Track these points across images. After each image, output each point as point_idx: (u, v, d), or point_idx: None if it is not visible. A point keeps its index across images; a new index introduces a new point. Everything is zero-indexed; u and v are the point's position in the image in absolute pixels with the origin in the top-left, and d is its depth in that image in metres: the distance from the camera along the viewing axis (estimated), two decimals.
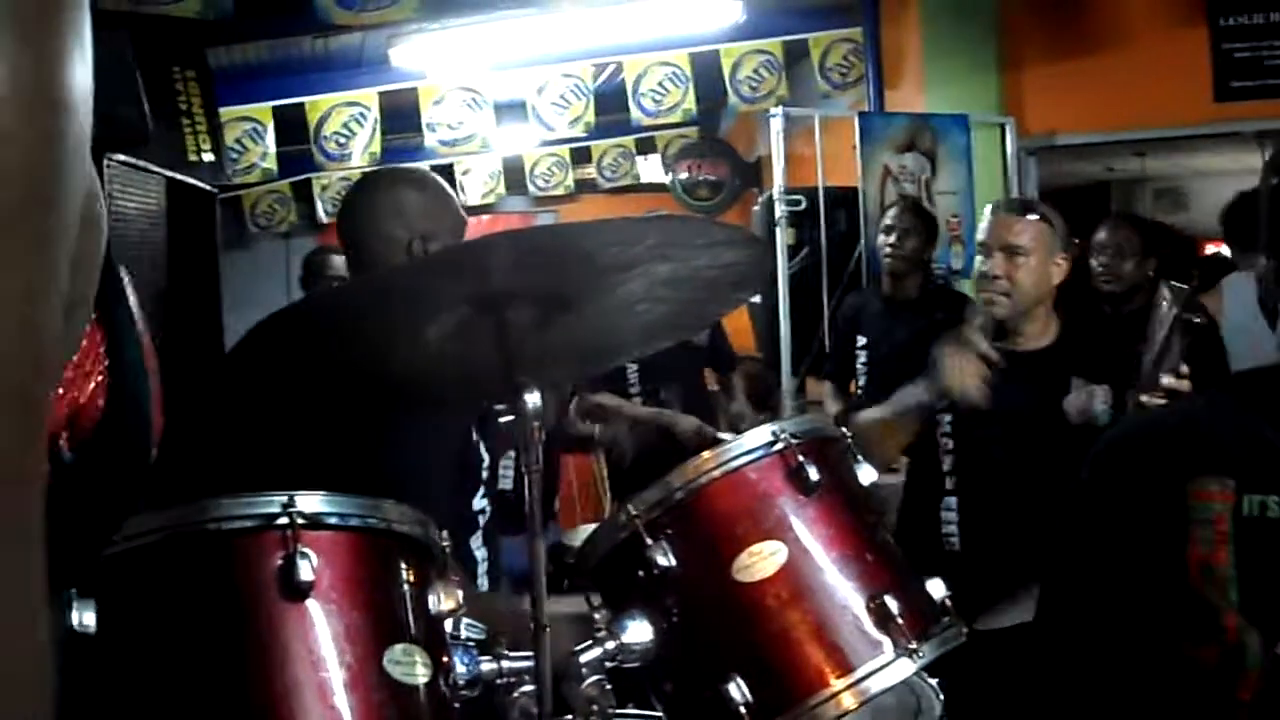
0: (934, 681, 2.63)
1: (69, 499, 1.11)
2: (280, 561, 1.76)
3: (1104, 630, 2.18)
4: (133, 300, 1.24)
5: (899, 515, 4.23)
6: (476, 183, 13.12)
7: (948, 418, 3.82)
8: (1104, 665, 2.17)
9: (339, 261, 7.40)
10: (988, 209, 4.16)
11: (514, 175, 13.23)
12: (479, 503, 3.04)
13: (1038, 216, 3.96)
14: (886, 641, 1.98)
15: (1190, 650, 2.01)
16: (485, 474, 3.09)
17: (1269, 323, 2.13)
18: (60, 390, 1.12)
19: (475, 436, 3.07)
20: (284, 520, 1.78)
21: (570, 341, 2.05)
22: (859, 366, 6.48)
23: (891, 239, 6.29)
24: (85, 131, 0.67)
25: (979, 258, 4.05)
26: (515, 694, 2.01)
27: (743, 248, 2.01)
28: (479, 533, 3.04)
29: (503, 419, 1.90)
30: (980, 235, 4.07)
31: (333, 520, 1.83)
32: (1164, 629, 2.04)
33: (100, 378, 1.18)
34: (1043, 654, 2.30)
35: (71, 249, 0.65)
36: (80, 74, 0.65)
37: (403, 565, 1.91)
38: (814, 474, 2.04)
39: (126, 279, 1.22)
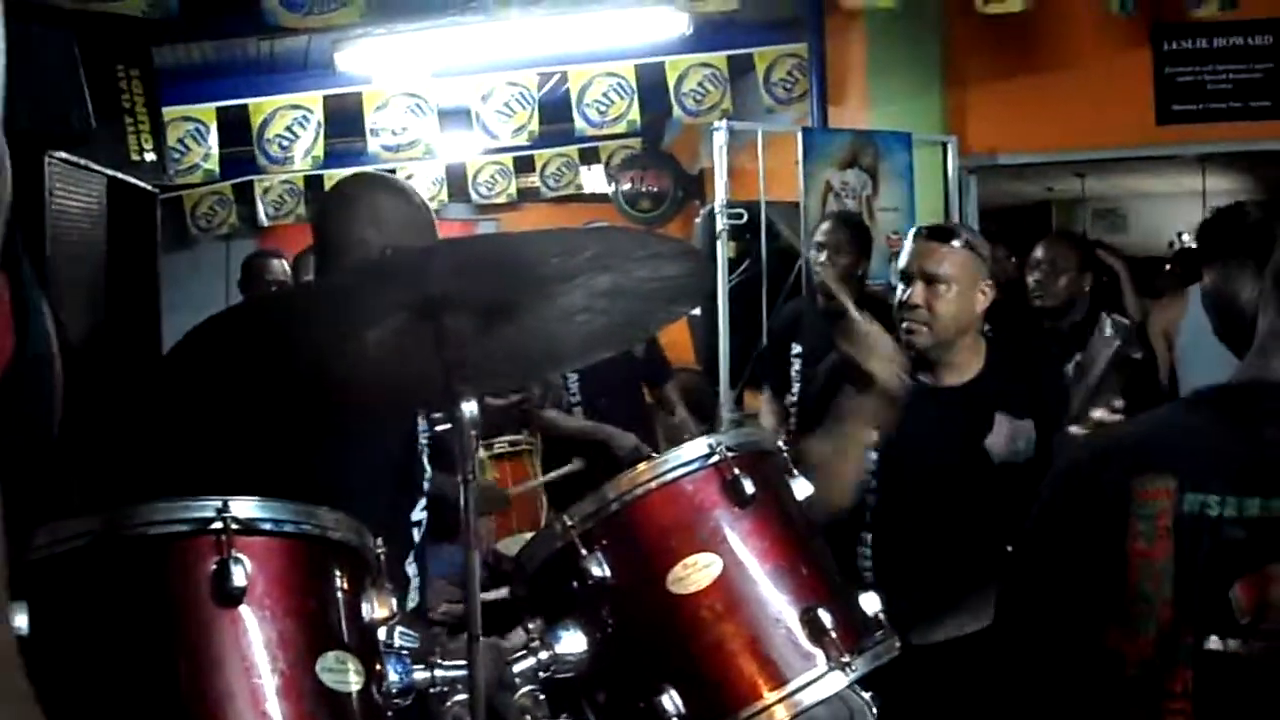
0: (867, 695, 2.64)
1: None
2: (214, 567, 1.75)
3: (1042, 624, 2.22)
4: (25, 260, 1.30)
5: None
6: (419, 189, 13.04)
7: (873, 455, 3.70)
8: (1041, 660, 2.21)
9: (278, 265, 7.36)
10: (910, 234, 4.01)
11: (457, 182, 13.21)
12: (418, 514, 3.02)
13: (962, 243, 3.80)
14: (819, 654, 2.00)
15: (1124, 643, 2.05)
16: (427, 485, 3.07)
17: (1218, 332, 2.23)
18: None
19: (421, 445, 3.05)
20: (218, 525, 1.77)
21: (510, 351, 2.06)
22: (793, 374, 6.48)
23: (821, 256, 6.28)
24: None
25: (900, 285, 3.95)
26: (449, 703, 2.00)
27: (683, 260, 2.01)
28: (414, 549, 3.01)
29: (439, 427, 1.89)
30: (901, 262, 3.95)
31: (267, 526, 1.82)
32: (1100, 621, 2.08)
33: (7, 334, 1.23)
34: (996, 662, 2.32)
35: None
36: None
37: (337, 572, 1.91)
38: (749, 487, 2.05)
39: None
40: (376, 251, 2.91)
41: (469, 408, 1.88)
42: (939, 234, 3.90)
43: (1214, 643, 1.99)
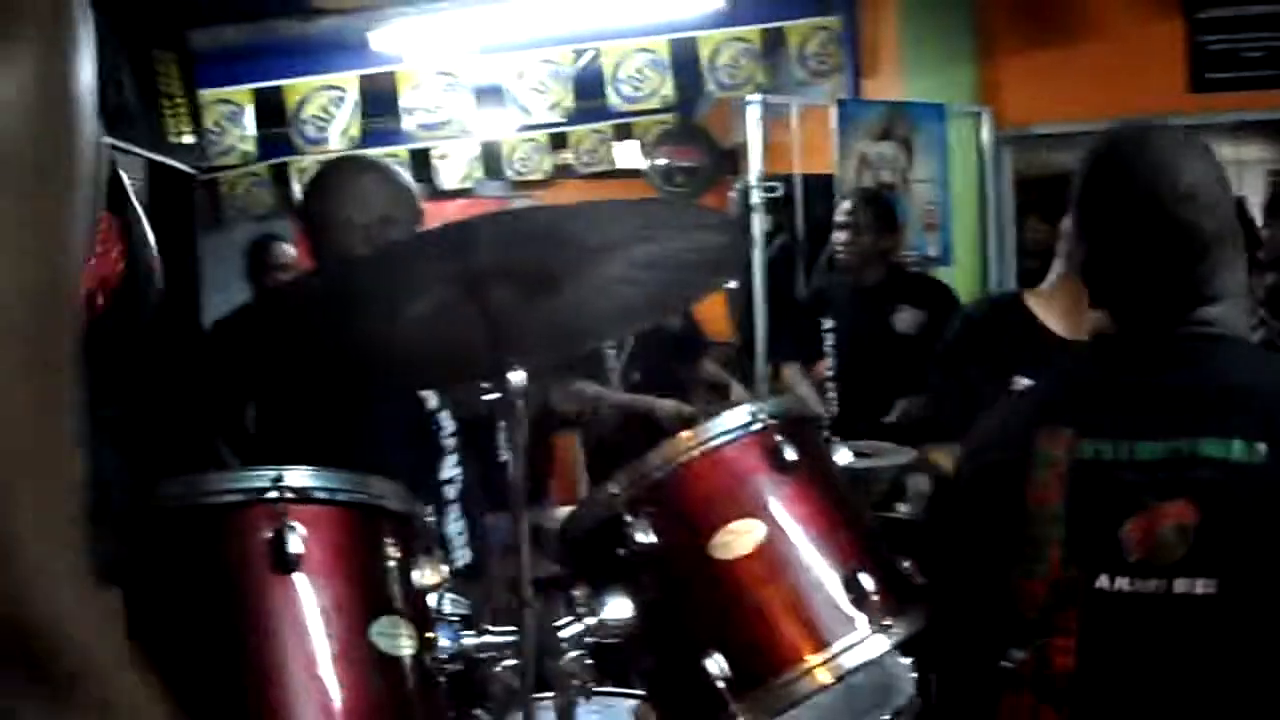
0: (908, 661, 2.67)
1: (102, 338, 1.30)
2: (269, 535, 1.80)
3: (955, 578, 2.28)
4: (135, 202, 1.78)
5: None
6: (454, 167, 13.09)
7: None
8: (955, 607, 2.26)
9: (284, 250, 7.41)
10: None
11: (491, 160, 13.19)
12: (448, 471, 3.05)
13: None
14: (861, 618, 2.02)
15: (1025, 586, 2.11)
16: (450, 441, 3.09)
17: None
18: (92, 260, 1.53)
19: (436, 403, 3.07)
20: (273, 495, 1.81)
21: (549, 322, 2.08)
22: (827, 349, 6.50)
23: (843, 236, 6.28)
24: (92, 116, 0.80)
25: None
26: (497, 668, 2.03)
27: (720, 232, 2.04)
28: (454, 505, 3.05)
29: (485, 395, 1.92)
30: None
31: (321, 495, 1.86)
32: (1004, 568, 2.14)
33: (118, 251, 1.68)
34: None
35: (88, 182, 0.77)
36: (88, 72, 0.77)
37: (388, 540, 1.95)
38: (791, 453, 2.08)
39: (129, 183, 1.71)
40: (363, 230, 2.96)
41: (517, 378, 1.91)
42: None
43: (1103, 581, 2.06)
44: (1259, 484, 2.01)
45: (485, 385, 1.94)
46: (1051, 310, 3.80)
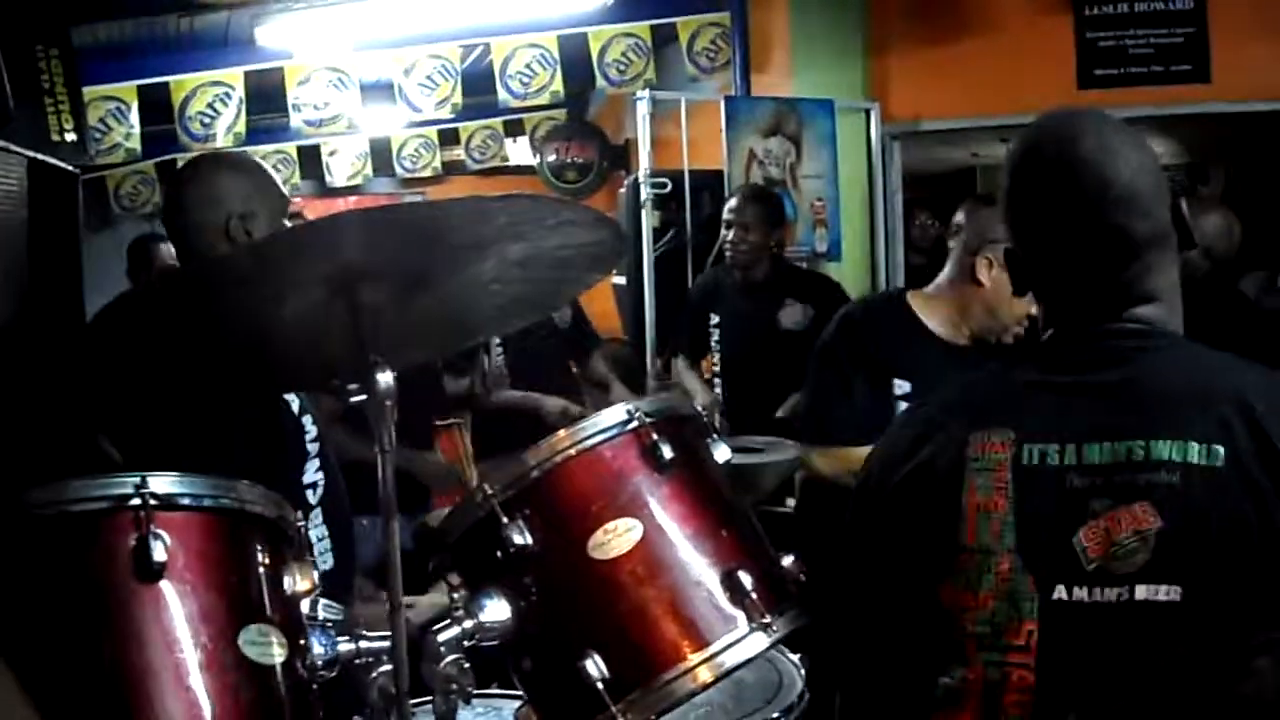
0: (795, 658, 2.67)
1: None
2: (133, 542, 1.76)
3: (875, 586, 2.24)
4: None
5: None
6: (343, 163, 13.03)
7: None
8: (873, 623, 2.24)
9: (165, 250, 7.33)
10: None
11: (381, 156, 13.14)
12: (311, 475, 3.01)
13: None
14: (740, 616, 2.02)
15: (961, 598, 2.07)
16: (314, 445, 3.06)
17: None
18: None
19: (297, 405, 3.04)
20: (136, 501, 1.77)
21: (426, 321, 2.06)
22: (713, 344, 6.51)
23: (731, 234, 6.27)
24: None
25: None
26: (374, 674, 2.01)
27: (595, 227, 2.02)
28: (315, 510, 3.01)
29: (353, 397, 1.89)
30: None
31: (185, 501, 1.83)
32: (933, 579, 2.10)
33: None
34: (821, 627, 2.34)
35: None
36: None
37: (257, 546, 1.92)
38: (668, 452, 2.07)
39: None
40: (222, 228, 2.92)
41: (385, 378, 1.88)
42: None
43: (1060, 592, 2.01)
44: (1219, 487, 1.95)
45: (353, 386, 1.91)
46: (935, 313, 3.80)
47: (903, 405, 3.63)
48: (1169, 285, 2.16)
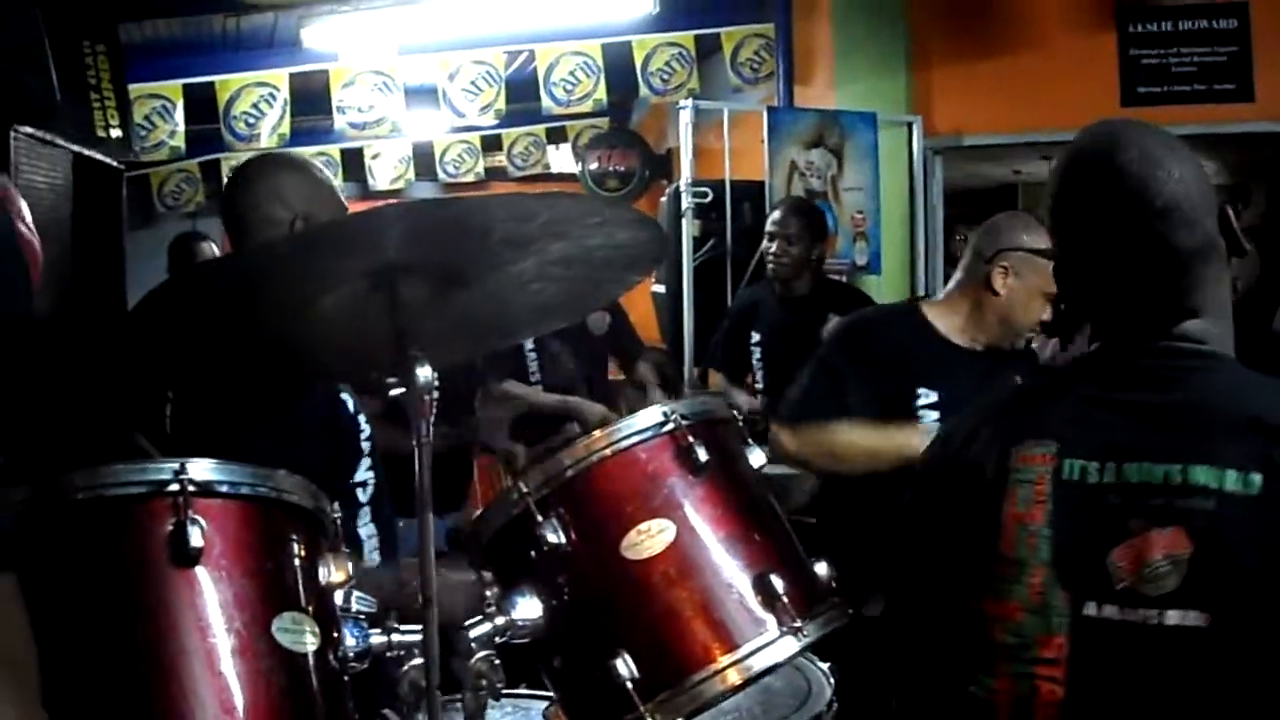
0: (825, 666, 2.67)
1: None
2: (170, 528, 1.77)
3: (920, 593, 2.24)
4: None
5: None
6: (386, 167, 13.08)
7: (934, 415, 3.77)
8: (920, 628, 2.23)
9: (207, 248, 7.36)
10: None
11: (424, 161, 13.19)
12: (362, 473, 3.02)
13: None
14: (771, 619, 2.01)
15: (992, 607, 2.07)
16: (368, 444, 3.07)
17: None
18: None
19: (352, 403, 3.05)
20: (175, 487, 1.78)
21: (463, 318, 2.06)
22: (754, 362, 6.50)
23: (774, 246, 6.27)
24: None
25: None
26: (405, 668, 2.02)
27: (636, 228, 2.02)
28: (365, 509, 3.02)
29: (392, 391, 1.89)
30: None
31: (224, 488, 1.84)
32: (972, 587, 2.09)
33: None
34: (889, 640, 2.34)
35: None
36: None
37: (293, 535, 1.93)
38: (703, 454, 2.07)
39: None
40: (286, 226, 2.93)
41: (424, 373, 1.89)
42: None
43: (1090, 609, 2.01)
44: (1253, 516, 1.95)
45: (392, 380, 1.92)
46: (947, 319, 3.81)
47: (929, 414, 3.65)
48: (1217, 300, 2.14)
